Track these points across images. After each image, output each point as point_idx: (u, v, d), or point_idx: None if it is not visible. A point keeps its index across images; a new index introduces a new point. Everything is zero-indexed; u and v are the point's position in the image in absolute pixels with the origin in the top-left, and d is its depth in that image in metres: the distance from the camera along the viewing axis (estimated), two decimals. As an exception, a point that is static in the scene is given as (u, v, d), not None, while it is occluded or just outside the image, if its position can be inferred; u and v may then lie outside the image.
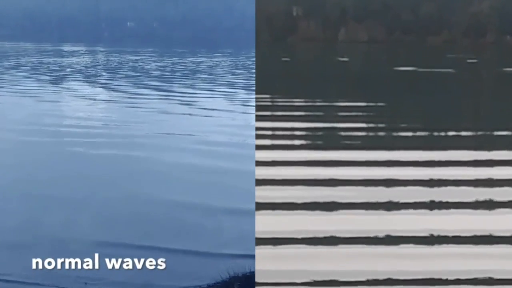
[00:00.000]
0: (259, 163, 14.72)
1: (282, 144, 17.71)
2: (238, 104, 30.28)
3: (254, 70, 46.95)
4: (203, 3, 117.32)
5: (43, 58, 59.28)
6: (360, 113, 24.18)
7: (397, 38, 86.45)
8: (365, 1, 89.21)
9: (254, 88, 33.91)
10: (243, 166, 16.67)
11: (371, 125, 21.55)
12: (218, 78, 42.87)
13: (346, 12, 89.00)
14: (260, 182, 13.13)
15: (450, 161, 15.43)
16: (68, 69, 48.41)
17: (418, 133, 20.06)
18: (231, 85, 38.65)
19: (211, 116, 26.73)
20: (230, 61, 57.62)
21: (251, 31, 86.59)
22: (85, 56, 63.24)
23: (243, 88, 37.46)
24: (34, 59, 57.32)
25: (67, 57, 61.07)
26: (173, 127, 23.73)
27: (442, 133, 20.52)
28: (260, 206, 11.62)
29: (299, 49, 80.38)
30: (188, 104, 30.15)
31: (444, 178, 13.72)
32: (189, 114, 27.22)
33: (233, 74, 47.05)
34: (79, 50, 73.00)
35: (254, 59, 57.18)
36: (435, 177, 13.76)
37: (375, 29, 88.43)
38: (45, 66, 50.78)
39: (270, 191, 12.60)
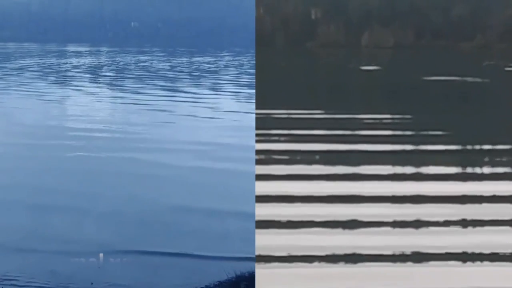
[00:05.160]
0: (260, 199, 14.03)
1: (295, 174, 16.96)
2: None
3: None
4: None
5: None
6: (386, 132, 23.66)
7: (426, 43, 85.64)
8: (391, 3, 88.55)
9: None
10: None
11: (397, 147, 20.92)
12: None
13: (370, 15, 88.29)
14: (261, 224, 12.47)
15: (486, 197, 14.70)
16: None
17: (451, 158, 19.34)
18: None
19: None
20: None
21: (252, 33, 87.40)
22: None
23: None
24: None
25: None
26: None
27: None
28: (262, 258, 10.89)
29: (318, 56, 79.80)
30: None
31: (479, 218, 13.01)
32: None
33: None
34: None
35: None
36: (468, 217, 13.05)
37: (402, 33, 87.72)
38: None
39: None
